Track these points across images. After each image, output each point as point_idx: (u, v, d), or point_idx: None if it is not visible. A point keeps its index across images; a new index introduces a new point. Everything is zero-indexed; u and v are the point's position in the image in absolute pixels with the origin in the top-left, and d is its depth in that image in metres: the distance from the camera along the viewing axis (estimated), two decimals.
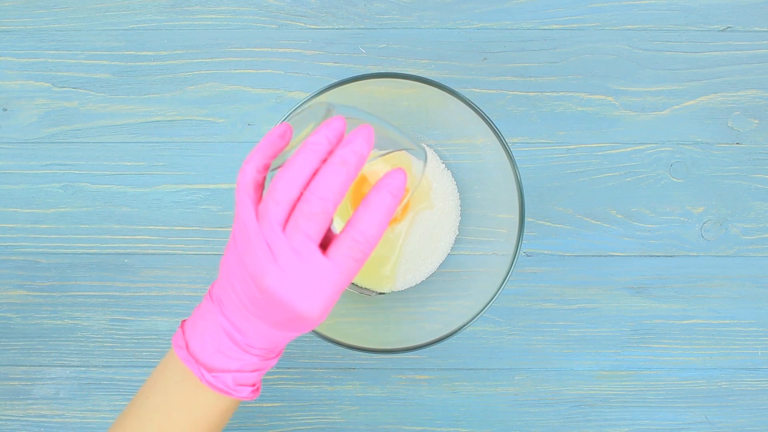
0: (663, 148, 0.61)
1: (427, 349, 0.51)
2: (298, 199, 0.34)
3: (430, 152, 0.59)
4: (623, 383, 0.60)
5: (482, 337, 0.60)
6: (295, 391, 0.59)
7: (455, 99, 0.51)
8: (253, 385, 0.40)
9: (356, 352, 0.59)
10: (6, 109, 0.62)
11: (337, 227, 0.37)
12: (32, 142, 0.61)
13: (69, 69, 0.62)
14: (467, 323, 0.51)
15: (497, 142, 0.51)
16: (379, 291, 0.58)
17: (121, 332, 0.60)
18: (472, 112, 0.51)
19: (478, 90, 0.61)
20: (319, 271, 0.34)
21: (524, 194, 0.51)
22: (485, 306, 0.50)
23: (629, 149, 0.61)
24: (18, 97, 0.62)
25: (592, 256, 0.60)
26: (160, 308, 0.60)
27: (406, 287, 0.58)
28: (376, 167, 0.44)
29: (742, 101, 0.61)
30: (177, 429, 0.40)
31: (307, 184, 0.34)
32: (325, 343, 0.51)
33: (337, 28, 0.62)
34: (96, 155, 0.61)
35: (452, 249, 0.59)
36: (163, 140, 0.61)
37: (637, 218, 0.60)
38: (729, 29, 0.62)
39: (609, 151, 0.61)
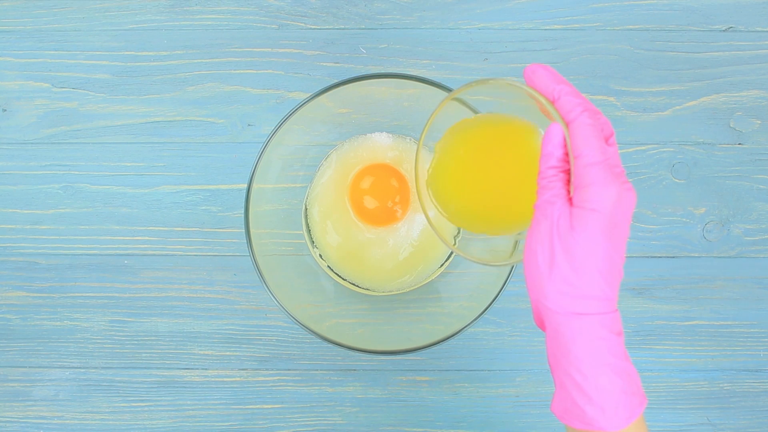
0: (665, 149, 0.61)
1: (428, 350, 0.51)
2: None
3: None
4: None
5: (483, 339, 0.60)
6: (295, 392, 0.59)
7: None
8: None
9: (357, 354, 0.59)
10: (5, 110, 0.62)
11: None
12: (32, 143, 0.61)
13: (69, 69, 0.62)
14: (468, 324, 0.50)
15: None
16: (382, 292, 0.58)
17: (120, 333, 0.60)
18: (473, 112, 0.50)
19: None
20: None
21: None
22: (486, 307, 0.50)
23: (631, 150, 0.60)
24: (17, 97, 0.62)
25: None
26: (160, 309, 0.60)
27: (406, 288, 0.58)
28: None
29: (744, 102, 0.61)
30: None
31: None
32: (326, 344, 0.51)
33: (337, 29, 0.62)
34: (95, 156, 0.61)
35: None
36: (162, 141, 0.61)
37: (639, 219, 0.60)
38: (731, 29, 0.61)
39: None
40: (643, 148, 0.60)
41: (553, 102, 0.36)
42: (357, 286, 0.58)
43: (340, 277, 0.58)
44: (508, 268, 0.51)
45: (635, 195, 0.34)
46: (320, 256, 0.58)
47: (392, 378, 0.59)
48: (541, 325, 0.37)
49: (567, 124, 0.35)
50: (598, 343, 0.34)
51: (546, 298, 0.35)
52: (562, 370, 0.35)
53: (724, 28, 0.61)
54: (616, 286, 0.35)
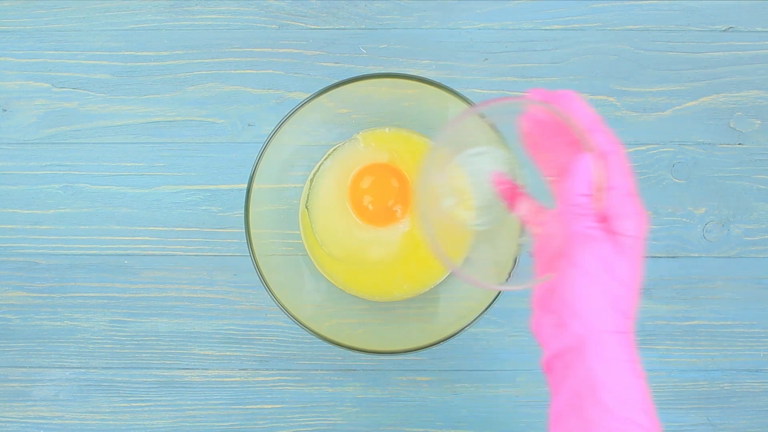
0: (665, 149, 0.61)
1: (429, 350, 0.51)
2: None
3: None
4: None
5: (484, 339, 0.59)
6: (295, 392, 0.59)
7: (456, 99, 0.50)
8: None
9: (357, 354, 0.58)
10: (6, 110, 0.62)
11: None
12: (32, 143, 0.61)
13: (69, 69, 0.62)
14: (469, 324, 0.50)
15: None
16: (389, 299, 0.58)
17: (120, 334, 0.60)
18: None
19: (479, 90, 0.61)
20: None
21: None
22: (487, 307, 0.50)
23: (631, 150, 0.60)
24: (18, 97, 0.62)
25: None
26: (160, 309, 0.60)
27: (409, 295, 0.58)
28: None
29: (744, 102, 0.61)
30: None
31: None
32: (326, 344, 0.51)
33: (337, 29, 0.62)
34: (96, 156, 0.61)
35: None
36: (163, 141, 0.61)
37: None
38: (731, 29, 0.61)
39: None
40: (643, 148, 0.60)
41: (589, 132, 0.37)
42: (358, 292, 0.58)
43: (339, 280, 0.58)
44: (508, 269, 0.51)
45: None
46: (320, 256, 0.58)
47: (392, 378, 0.59)
48: (550, 368, 0.38)
49: (603, 156, 0.36)
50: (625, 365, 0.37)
51: (586, 322, 0.36)
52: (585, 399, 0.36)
53: (724, 28, 0.61)
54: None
